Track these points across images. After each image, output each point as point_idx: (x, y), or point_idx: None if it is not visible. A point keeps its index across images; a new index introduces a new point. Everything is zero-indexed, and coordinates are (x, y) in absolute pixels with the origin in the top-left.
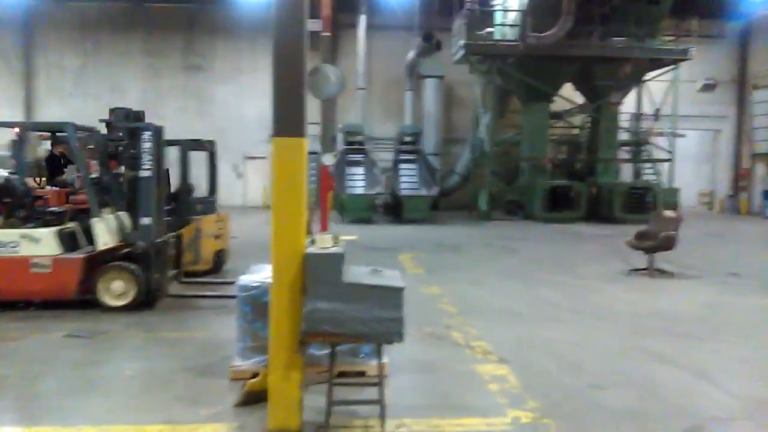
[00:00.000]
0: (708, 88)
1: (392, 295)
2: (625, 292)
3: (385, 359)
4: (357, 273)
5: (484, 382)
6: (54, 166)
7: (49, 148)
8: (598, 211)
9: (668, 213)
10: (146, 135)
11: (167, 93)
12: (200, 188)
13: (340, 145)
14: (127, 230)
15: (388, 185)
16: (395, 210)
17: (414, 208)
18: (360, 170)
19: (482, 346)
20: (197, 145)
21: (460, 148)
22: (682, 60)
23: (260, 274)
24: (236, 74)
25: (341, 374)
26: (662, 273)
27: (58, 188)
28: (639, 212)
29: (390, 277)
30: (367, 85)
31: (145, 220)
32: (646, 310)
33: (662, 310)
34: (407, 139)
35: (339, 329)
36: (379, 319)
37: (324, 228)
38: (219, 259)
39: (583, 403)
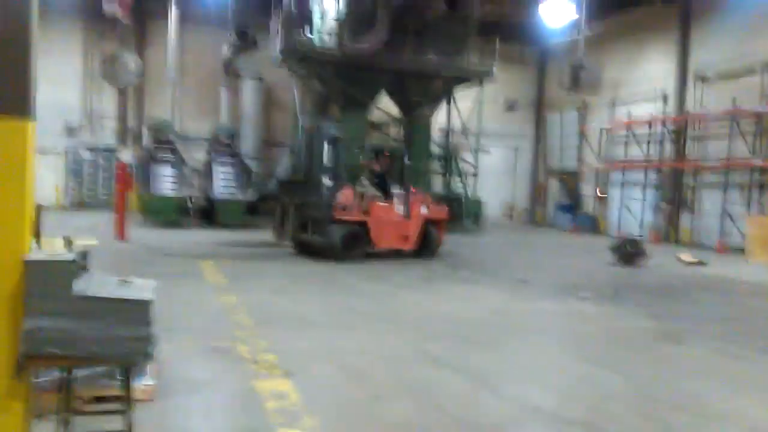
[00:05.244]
0: (510, 108)
1: (136, 310)
2: (421, 297)
3: (150, 381)
4: (99, 284)
5: (261, 400)
6: None
7: None
8: None
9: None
10: None
11: None
12: None
13: (147, 142)
14: None
15: (201, 187)
16: (209, 214)
17: (228, 212)
18: (168, 170)
19: (269, 360)
20: None
21: (280, 152)
22: (486, 77)
23: None
24: None
25: (98, 399)
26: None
27: None
28: (448, 222)
29: (139, 288)
30: (179, 79)
31: None
32: (438, 316)
33: (453, 315)
34: (223, 139)
35: (68, 351)
36: (119, 337)
37: (121, 233)
38: None
39: (362, 417)
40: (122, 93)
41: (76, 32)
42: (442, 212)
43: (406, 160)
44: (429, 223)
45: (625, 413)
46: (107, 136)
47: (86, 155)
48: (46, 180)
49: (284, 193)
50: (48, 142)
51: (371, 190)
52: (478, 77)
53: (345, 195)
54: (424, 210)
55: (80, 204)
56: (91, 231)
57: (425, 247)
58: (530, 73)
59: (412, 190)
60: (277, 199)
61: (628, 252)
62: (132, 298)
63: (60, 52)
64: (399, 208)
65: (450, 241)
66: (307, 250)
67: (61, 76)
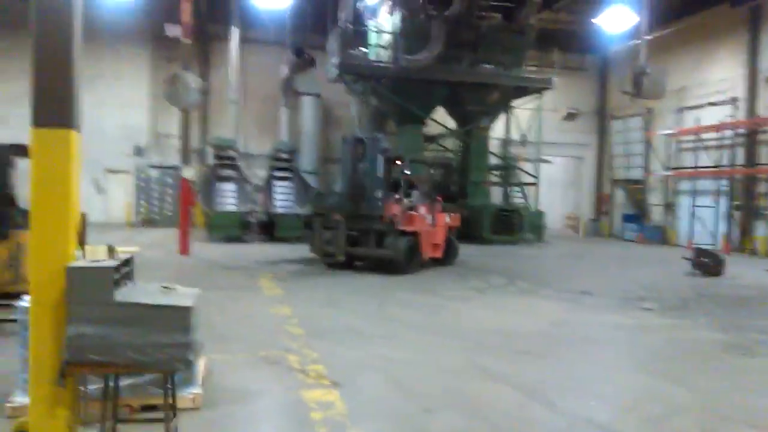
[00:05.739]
0: (571, 117)
1: (175, 317)
2: (475, 309)
3: (197, 390)
4: (142, 291)
5: (308, 410)
6: None
7: None
8: (469, 232)
9: None
10: None
11: (15, 99)
12: None
13: (210, 160)
14: None
15: (263, 203)
16: (269, 228)
17: (288, 226)
18: (231, 186)
19: (318, 370)
20: (21, 150)
21: (337, 167)
22: (545, 89)
23: None
24: (96, 81)
25: (147, 407)
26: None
27: None
28: (507, 233)
29: (181, 296)
30: (241, 99)
31: None
32: (492, 328)
33: (508, 327)
34: (282, 156)
35: (108, 357)
36: (158, 344)
37: (184, 248)
38: None
39: (408, 429)
40: (186, 113)
41: (144, 57)
42: (457, 219)
43: (431, 171)
44: (449, 231)
45: (689, 429)
46: (173, 155)
47: (153, 174)
48: (118, 199)
49: (333, 207)
50: (118, 163)
51: (416, 201)
52: (537, 87)
53: (392, 207)
54: (447, 218)
55: (149, 221)
56: (155, 246)
57: (448, 255)
58: (591, 81)
59: (438, 198)
60: (334, 212)
61: (705, 262)
62: (172, 305)
63: (129, 77)
64: (427, 217)
65: (508, 253)
66: (349, 264)
67: (131, 100)
